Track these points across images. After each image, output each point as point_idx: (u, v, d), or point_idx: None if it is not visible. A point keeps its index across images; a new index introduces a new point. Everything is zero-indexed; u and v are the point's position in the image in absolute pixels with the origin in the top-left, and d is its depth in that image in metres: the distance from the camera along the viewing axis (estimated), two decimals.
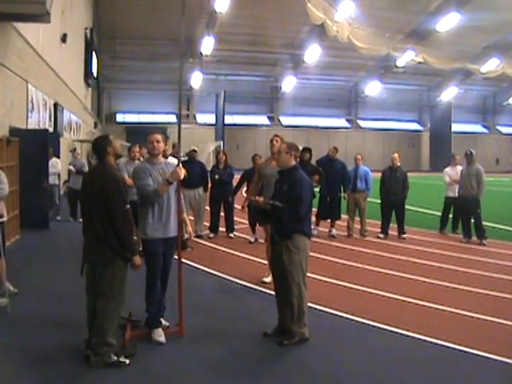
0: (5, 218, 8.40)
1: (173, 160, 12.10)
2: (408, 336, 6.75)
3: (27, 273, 9.66)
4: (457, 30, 40.33)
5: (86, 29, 32.47)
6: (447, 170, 15.27)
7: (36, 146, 14.27)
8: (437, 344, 6.47)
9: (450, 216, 15.00)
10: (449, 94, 58.75)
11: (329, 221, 14.56)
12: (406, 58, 44.46)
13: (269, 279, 8.65)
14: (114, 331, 5.88)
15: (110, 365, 5.67)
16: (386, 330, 6.98)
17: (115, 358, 5.73)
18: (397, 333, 6.86)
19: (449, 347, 6.38)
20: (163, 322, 6.71)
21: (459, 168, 14.80)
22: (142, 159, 10.67)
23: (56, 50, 21.27)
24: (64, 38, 22.45)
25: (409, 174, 14.67)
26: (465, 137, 59.33)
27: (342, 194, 14.34)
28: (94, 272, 5.77)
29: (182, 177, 6.45)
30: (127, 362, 5.76)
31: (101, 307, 5.74)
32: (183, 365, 5.87)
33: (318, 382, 5.56)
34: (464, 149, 15.64)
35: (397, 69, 50.07)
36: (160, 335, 6.44)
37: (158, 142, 6.56)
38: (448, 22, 39.49)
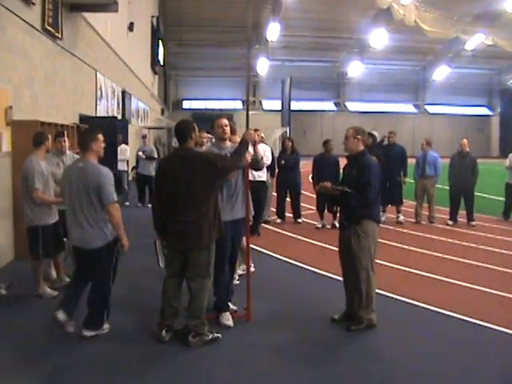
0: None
1: (263, 146, 12.13)
2: (476, 324, 6.62)
3: None
4: None
5: (152, 17, 32.88)
6: (510, 155, 14.79)
7: (105, 133, 14.46)
8: (507, 333, 6.32)
9: None
10: None
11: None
12: (476, 40, 43.32)
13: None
14: None
15: (209, 342, 5.87)
16: (454, 317, 6.86)
17: (211, 335, 5.92)
18: (465, 320, 6.74)
19: None
20: (231, 306, 6.75)
21: None
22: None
23: (123, 38, 21.64)
24: (131, 27, 22.82)
25: (478, 160, 14.32)
26: None
27: (402, 179, 14.10)
28: (185, 256, 5.91)
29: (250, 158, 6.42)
30: (220, 335, 5.98)
31: (198, 289, 5.90)
32: (251, 348, 5.91)
33: (385, 368, 5.51)
34: None
35: (466, 52, 48.90)
36: (228, 319, 6.49)
37: (226, 125, 6.59)
38: None
